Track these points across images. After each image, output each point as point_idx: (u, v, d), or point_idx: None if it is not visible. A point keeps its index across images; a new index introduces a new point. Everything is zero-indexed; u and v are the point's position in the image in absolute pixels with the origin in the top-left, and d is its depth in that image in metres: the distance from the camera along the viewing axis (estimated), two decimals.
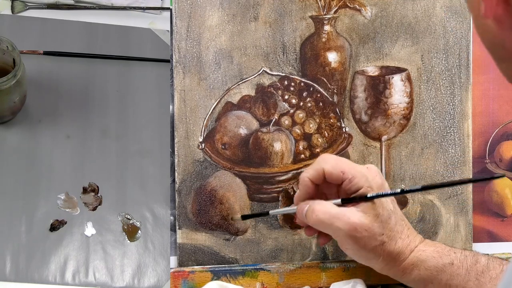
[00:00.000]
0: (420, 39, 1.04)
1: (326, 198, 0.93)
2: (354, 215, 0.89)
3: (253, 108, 1.03)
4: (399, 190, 0.91)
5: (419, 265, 0.91)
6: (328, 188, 0.93)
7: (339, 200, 0.91)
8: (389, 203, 0.91)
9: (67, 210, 1.07)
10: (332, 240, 1.01)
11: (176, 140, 1.02)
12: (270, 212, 0.98)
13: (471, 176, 1.05)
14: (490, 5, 0.57)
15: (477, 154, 1.07)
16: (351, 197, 0.91)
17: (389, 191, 0.91)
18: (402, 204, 1.04)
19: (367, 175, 0.91)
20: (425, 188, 0.92)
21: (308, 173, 0.92)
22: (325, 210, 0.90)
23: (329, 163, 0.92)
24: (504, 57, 0.62)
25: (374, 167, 0.93)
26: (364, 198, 0.89)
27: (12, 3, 1.18)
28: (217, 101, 1.02)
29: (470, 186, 1.05)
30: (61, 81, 1.14)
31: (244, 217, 1.00)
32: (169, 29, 1.05)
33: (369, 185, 0.90)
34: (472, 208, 1.06)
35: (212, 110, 1.02)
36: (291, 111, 1.03)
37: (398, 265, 0.92)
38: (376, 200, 0.90)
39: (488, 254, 0.94)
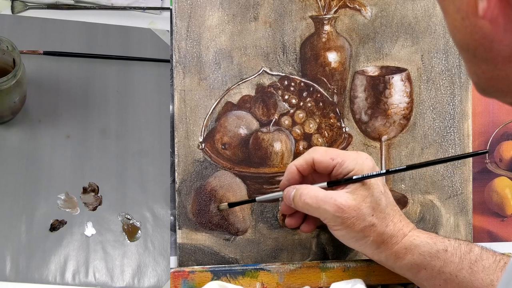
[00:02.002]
0: (420, 39, 1.04)
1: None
2: (341, 196, 0.90)
3: (253, 108, 1.03)
4: (384, 171, 0.92)
5: (412, 249, 0.92)
6: (318, 178, 0.94)
7: (325, 184, 0.92)
8: (380, 186, 0.92)
9: (67, 210, 1.07)
10: (332, 240, 1.01)
11: (176, 140, 1.02)
12: (257, 198, 0.99)
13: (471, 176, 1.05)
14: (489, 5, 0.57)
15: None
16: (336, 180, 0.91)
17: (374, 172, 0.91)
18: (402, 204, 1.04)
19: (357, 158, 0.92)
20: (409, 168, 0.93)
21: (296, 162, 0.94)
22: (312, 193, 0.91)
23: (318, 152, 0.93)
24: (487, 59, 0.61)
25: (364, 153, 0.94)
26: (349, 180, 0.90)
27: (12, 3, 1.18)
28: (217, 101, 1.02)
29: (470, 186, 1.05)
30: (61, 81, 1.14)
31: (231, 205, 1.00)
32: (169, 29, 1.05)
33: (360, 168, 0.91)
34: (472, 208, 1.06)
35: (212, 110, 1.02)
36: (291, 111, 1.03)
37: (390, 248, 0.92)
38: (366, 181, 0.90)
39: (481, 246, 0.94)
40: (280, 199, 1.00)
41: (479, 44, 0.61)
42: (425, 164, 0.98)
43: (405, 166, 0.92)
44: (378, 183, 0.92)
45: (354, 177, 0.91)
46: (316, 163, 0.92)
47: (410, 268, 0.93)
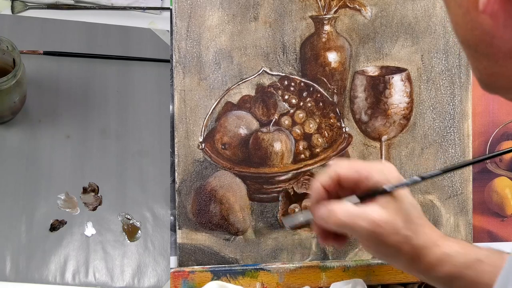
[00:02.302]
0: (420, 39, 1.04)
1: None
2: (375, 211, 0.85)
3: (253, 108, 1.03)
4: (418, 178, 0.86)
5: (446, 260, 0.88)
6: (343, 192, 0.89)
7: (354, 197, 0.87)
8: (409, 196, 0.87)
9: (67, 210, 1.07)
10: None
11: (176, 140, 1.02)
12: (286, 224, 0.92)
13: (471, 176, 1.05)
14: (489, 0, 0.58)
15: (477, 154, 1.07)
16: (368, 192, 0.86)
17: (406, 181, 0.86)
18: None
19: (383, 169, 0.88)
20: (445, 171, 0.89)
21: (320, 179, 0.88)
22: (345, 209, 0.86)
23: (342, 166, 0.88)
24: (488, 54, 0.62)
25: (389, 163, 0.90)
26: (380, 191, 0.86)
27: (12, 3, 1.18)
28: (217, 101, 1.02)
29: (470, 186, 1.05)
30: (61, 81, 1.14)
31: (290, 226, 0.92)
32: (169, 29, 1.05)
33: (386, 179, 0.87)
34: (472, 208, 1.06)
35: (212, 110, 1.02)
36: (291, 111, 1.03)
37: (422, 261, 0.88)
38: (395, 194, 0.87)
39: (508, 252, 0.91)
40: (280, 198, 0.99)
41: (480, 40, 0.61)
42: (459, 166, 0.96)
43: (440, 171, 0.87)
44: (407, 194, 0.87)
45: (385, 187, 0.86)
46: (342, 178, 0.87)
47: (444, 279, 0.89)
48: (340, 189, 0.88)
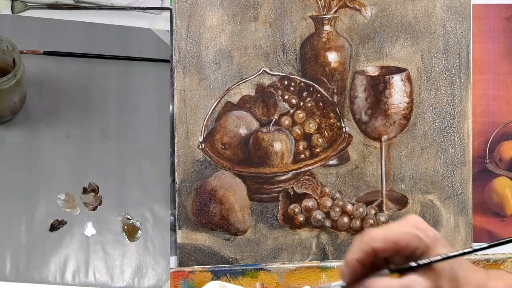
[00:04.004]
0: (420, 39, 1.04)
1: (372, 268, 0.88)
2: (417, 283, 0.81)
3: (253, 108, 1.03)
4: (462, 251, 0.82)
5: None
6: (376, 259, 0.84)
7: (388, 271, 0.82)
8: (450, 251, 0.84)
9: (67, 210, 1.07)
10: (332, 240, 1.01)
11: (176, 140, 1.02)
12: None
13: (471, 176, 1.05)
14: None
15: (477, 154, 1.07)
16: (400, 267, 0.82)
17: (444, 255, 0.82)
18: (402, 204, 1.04)
19: (419, 234, 0.82)
20: (492, 246, 0.86)
21: (355, 255, 0.83)
22: (388, 287, 0.81)
23: (378, 240, 0.83)
24: None
25: (419, 220, 0.84)
26: (414, 267, 0.81)
27: (12, 3, 1.18)
28: (217, 101, 1.02)
29: (470, 186, 1.05)
30: (61, 81, 1.14)
31: None
32: (169, 29, 1.05)
33: (425, 244, 0.83)
34: (472, 208, 1.06)
35: (212, 110, 1.02)
36: (291, 111, 1.03)
37: None
38: (433, 256, 0.84)
39: None
40: (280, 198, 0.99)
41: None
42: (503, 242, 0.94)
43: (487, 244, 0.82)
44: (444, 251, 0.82)
45: (419, 262, 0.81)
46: (380, 252, 0.83)
47: None
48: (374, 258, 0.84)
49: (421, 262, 0.82)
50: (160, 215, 1.08)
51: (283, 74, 1.03)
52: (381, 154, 1.04)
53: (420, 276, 0.82)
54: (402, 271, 0.83)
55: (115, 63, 1.17)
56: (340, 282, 0.85)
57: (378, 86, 1.04)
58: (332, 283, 0.86)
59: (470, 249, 0.82)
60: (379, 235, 0.83)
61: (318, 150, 1.03)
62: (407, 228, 0.84)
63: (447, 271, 0.83)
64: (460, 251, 0.82)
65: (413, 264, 0.82)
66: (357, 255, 0.84)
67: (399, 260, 0.84)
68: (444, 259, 0.82)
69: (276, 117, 1.03)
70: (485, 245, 0.83)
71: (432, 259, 0.81)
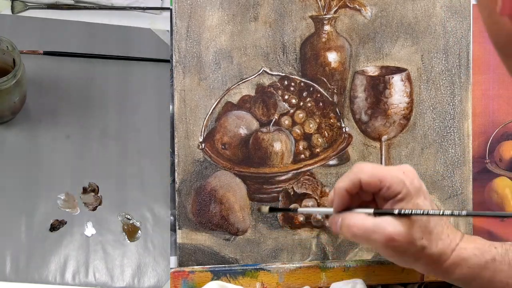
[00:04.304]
0: (420, 39, 1.04)
1: (361, 203, 0.91)
2: (389, 225, 0.86)
3: (253, 108, 1.03)
4: (439, 212, 0.87)
5: (461, 264, 0.89)
6: (364, 193, 0.91)
7: (371, 210, 0.88)
8: (427, 205, 0.88)
9: (67, 210, 1.07)
10: (332, 240, 1.01)
11: (176, 140, 1.02)
12: (299, 210, 0.96)
13: (471, 176, 1.05)
14: (507, 2, 0.58)
15: (477, 154, 1.07)
16: (383, 211, 0.88)
17: (422, 211, 0.87)
18: None
19: (404, 180, 0.88)
20: (469, 215, 0.90)
21: (344, 183, 0.89)
22: (360, 224, 0.87)
23: (366, 172, 0.89)
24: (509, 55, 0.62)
25: (410, 168, 0.90)
26: (395, 214, 0.86)
27: (12, 3, 1.18)
28: (217, 101, 1.02)
29: (470, 186, 1.06)
30: (61, 81, 1.14)
31: (271, 210, 0.97)
32: (169, 29, 1.05)
33: (407, 191, 0.87)
34: (472, 208, 1.06)
35: (212, 110, 1.02)
36: (291, 111, 1.03)
37: (440, 266, 0.89)
38: (414, 204, 0.87)
39: None
40: (280, 198, 0.99)
41: (505, 41, 0.61)
42: (483, 214, 0.98)
43: (465, 213, 0.88)
44: (426, 203, 0.88)
45: (402, 211, 0.86)
46: (364, 184, 0.89)
47: (460, 281, 0.91)
48: (361, 191, 0.90)
49: (403, 211, 0.86)
50: (160, 215, 1.08)
51: (283, 74, 1.03)
52: (381, 154, 1.04)
53: (395, 219, 0.86)
54: (385, 215, 0.87)
55: (115, 63, 1.17)
56: (329, 209, 0.89)
57: (378, 86, 1.04)
58: (321, 209, 0.91)
59: (448, 212, 0.87)
60: (368, 169, 0.89)
61: (318, 150, 1.04)
62: (396, 172, 0.89)
63: (422, 222, 0.87)
64: (440, 211, 0.87)
65: (395, 211, 0.86)
66: (345, 183, 0.90)
67: (386, 205, 0.88)
68: (424, 214, 0.87)
69: (276, 117, 1.03)
70: (464, 212, 0.88)
71: (414, 211, 0.85)
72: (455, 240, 0.90)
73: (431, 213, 0.87)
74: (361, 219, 0.88)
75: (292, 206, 1.00)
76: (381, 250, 0.88)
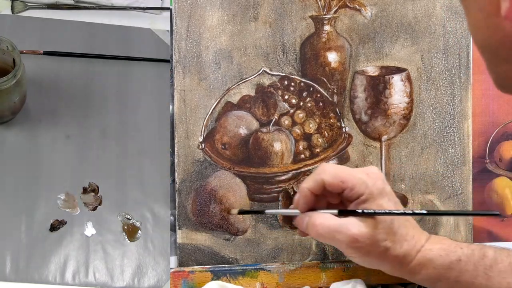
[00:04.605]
0: (420, 39, 1.04)
1: (327, 203, 0.93)
2: (354, 226, 0.87)
3: (253, 108, 1.03)
4: (397, 210, 0.89)
5: (426, 264, 0.90)
6: (330, 194, 0.92)
7: (335, 211, 0.90)
8: (391, 206, 0.90)
9: (67, 210, 1.07)
10: None
11: (176, 140, 1.02)
12: (267, 211, 0.97)
13: (471, 176, 1.05)
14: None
15: (477, 154, 1.07)
16: (347, 210, 0.89)
17: (384, 210, 0.89)
18: (402, 204, 1.04)
19: (367, 181, 0.89)
20: (429, 214, 0.92)
21: (307, 184, 0.91)
22: (325, 224, 0.88)
23: (328, 173, 0.90)
24: (508, 59, 0.62)
25: (374, 170, 0.91)
26: (358, 213, 0.88)
27: (12, 3, 1.18)
28: (217, 101, 1.02)
29: (470, 186, 1.06)
30: (61, 81, 1.14)
31: (241, 212, 0.99)
32: (169, 29, 1.05)
33: (370, 192, 0.89)
34: (472, 208, 1.06)
35: (212, 110, 1.02)
36: (291, 111, 1.03)
37: (405, 267, 0.90)
38: (376, 204, 0.89)
39: (495, 246, 0.93)
40: (280, 198, 0.99)
41: (500, 44, 0.61)
42: (442, 213, 1.00)
43: (425, 211, 0.90)
44: (390, 204, 0.89)
45: (365, 211, 0.88)
46: (327, 185, 0.90)
47: (426, 281, 0.92)
48: (328, 194, 0.90)
49: (366, 211, 0.88)
50: (160, 215, 1.08)
51: (283, 74, 1.03)
52: (381, 154, 1.04)
53: (359, 220, 0.87)
54: (349, 214, 0.89)
55: (115, 63, 1.17)
56: (295, 210, 0.93)
57: (378, 86, 1.04)
58: (288, 210, 0.93)
59: (410, 211, 0.89)
60: (331, 170, 0.91)
61: (318, 150, 1.04)
62: (359, 173, 0.90)
63: (386, 223, 0.88)
64: (401, 211, 0.89)
65: (359, 211, 0.88)
66: (309, 184, 0.92)
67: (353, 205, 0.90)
68: (387, 214, 0.88)
69: (276, 117, 1.03)
70: (424, 211, 0.90)
71: (377, 211, 0.86)
72: (420, 241, 0.90)
73: (393, 212, 0.88)
74: (326, 219, 0.89)
75: (261, 208, 1.02)
76: (345, 251, 0.89)
